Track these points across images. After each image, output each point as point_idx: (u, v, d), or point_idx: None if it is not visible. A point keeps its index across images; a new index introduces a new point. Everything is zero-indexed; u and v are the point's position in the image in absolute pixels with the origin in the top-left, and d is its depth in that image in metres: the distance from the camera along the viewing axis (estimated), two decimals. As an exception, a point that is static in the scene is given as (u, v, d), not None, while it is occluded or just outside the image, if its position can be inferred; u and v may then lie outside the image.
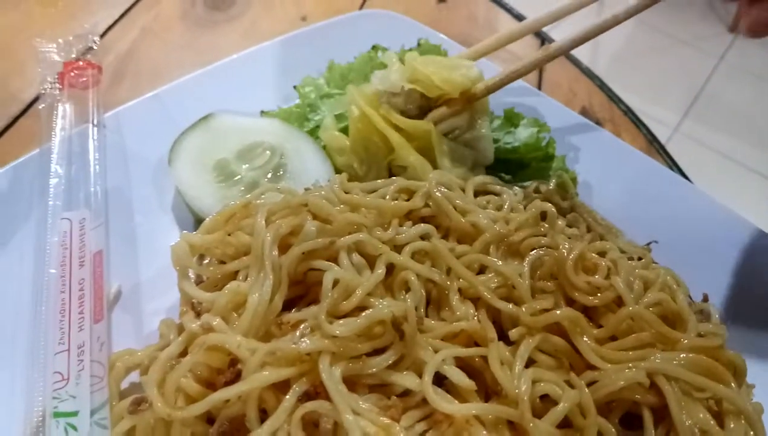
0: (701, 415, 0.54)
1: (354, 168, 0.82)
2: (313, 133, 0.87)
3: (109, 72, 1.00)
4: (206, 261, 0.69)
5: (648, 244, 0.79)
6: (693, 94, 3.11)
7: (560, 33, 0.89)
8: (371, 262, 0.61)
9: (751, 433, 0.54)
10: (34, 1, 1.14)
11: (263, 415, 0.51)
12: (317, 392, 0.51)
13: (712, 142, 2.85)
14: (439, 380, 0.56)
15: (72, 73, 0.83)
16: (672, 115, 2.97)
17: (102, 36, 1.09)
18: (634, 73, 3.14)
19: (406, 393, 0.55)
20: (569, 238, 0.70)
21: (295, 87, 0.91)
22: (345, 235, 0.61)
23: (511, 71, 0.84)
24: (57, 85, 0.83)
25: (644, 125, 1.11)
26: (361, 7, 1.26)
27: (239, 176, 0.79)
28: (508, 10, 1.33)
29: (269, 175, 0.79)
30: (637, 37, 3.42)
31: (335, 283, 0.56)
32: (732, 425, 0.54)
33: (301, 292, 0.61)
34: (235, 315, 0.57)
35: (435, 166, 0.79)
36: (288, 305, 0.58)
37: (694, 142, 2.86)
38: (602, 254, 0.69)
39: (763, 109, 3.02)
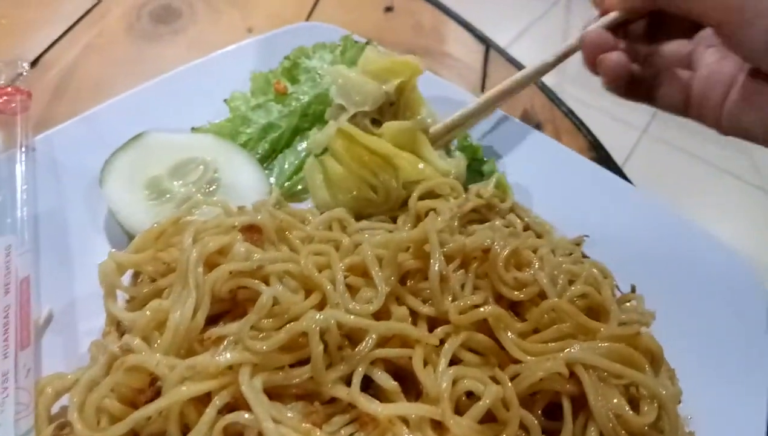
0: (615, 400, 0.56)
1: (368, 199, 0.82)
2: (246, 145, 0.88)
3: (49, 89, 1.00)
4: (140, 280, 0.70)
5: (578, 238, 0.81)
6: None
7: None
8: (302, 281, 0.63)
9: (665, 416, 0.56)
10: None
11: (187, 430, 0.51)
12: (240, 405, 0.52)
13: (679, 142, 2.92)
14: (366, 385, 0.57)
15: (0, 100, 0.83)
16: (640, 117, 3.03)
17: (44, 53, 1.09)
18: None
19: (332, 400, 0.57)
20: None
21: (225, 101, 0.92)
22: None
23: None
24: (-16, 111, 0.82)
25: (585, 126, 1.14)
26: (308, 17, 1.27)
27: (171, 193, 0.79)
28: (455, 17, 1.35)
29: (202, 190, 0.80)
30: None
31: (274, 301, 0.57)
32: (645, 409, 0.56)
33: (225, 308, 0.61)
34: (157, 334, 0.57)
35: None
36: (212, 322, 0.59)
37: (662, 143, 2.92)
38: (534, 251, 0.71)
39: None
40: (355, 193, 0.81)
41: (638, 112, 3.03)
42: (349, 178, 0.81)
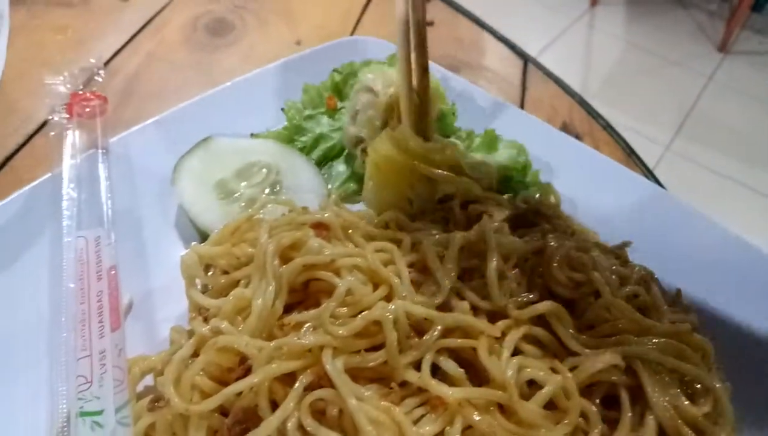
0: (672, 392, 0.59)
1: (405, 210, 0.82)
2: (300, 151, 0.93)
3: (116, 93, 1.07)
4: (211, 272, 0.75)
5: (623, 243, 0.85)
6: (683, 113, 3.20)
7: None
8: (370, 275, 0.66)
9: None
10: (45, 29, 1.20)
11: (273, 406, 0.55)
12: (321, 384, 0.56)
13: (703, 158, 2.94)
14: (433, 372, 0.61)
15: (79, 104, 0.88)
16: (663, 133, 3.06)
17: (109, 60, 1.15)
18: (625, 93, 3.24)
19: (403, 384, 0.60)
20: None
21: (282, 109, 0.97)
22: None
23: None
24: (65, 114, 0.88)
25: (622, 139, 1.17)
26: (353, 31, 1.33)
27: (239, 193, 0.84)
28: (493, 32, 1.40)
29: (266, 192, 0.85)
30: (627, 59, 3.52)
31: (347, 292, 0.62)
32: (701, 400, 0.59)
33: (298, 299, 0.65)
34: (240, 319, 0.62)
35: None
36: (285, 311, 0.63)
37: (685, 160, 2.95)
38: (585, 252, 0.75)
39: (749, 126, 3.12)
40: (392, 201, 0.83)
41: (662, 128, 3.07)
42: (388, 186, 0.83)
